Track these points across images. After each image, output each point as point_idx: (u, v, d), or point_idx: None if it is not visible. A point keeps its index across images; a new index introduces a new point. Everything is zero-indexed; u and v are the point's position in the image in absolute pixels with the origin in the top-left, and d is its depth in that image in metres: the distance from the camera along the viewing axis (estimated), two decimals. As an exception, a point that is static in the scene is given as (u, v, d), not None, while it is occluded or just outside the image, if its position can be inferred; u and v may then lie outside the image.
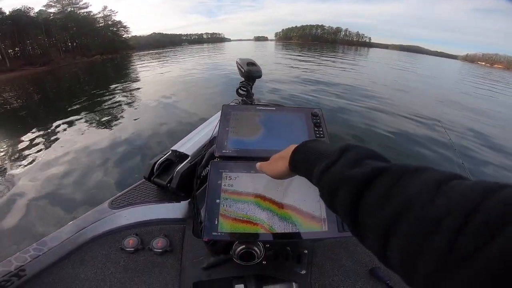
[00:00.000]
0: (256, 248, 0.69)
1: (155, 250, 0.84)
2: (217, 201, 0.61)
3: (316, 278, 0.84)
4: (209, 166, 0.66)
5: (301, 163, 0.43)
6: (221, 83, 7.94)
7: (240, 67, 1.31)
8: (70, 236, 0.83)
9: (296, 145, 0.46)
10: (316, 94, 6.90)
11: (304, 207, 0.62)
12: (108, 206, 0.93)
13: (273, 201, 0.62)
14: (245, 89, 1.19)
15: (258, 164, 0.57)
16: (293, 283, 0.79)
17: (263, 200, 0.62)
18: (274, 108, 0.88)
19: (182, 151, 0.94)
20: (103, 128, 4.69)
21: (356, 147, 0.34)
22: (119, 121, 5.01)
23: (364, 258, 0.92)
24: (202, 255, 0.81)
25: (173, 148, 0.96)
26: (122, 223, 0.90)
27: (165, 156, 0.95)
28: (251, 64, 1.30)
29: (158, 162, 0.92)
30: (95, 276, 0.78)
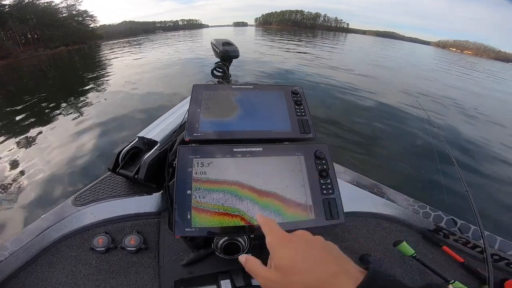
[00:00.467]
0: (240, 239, 0.63)
1: (129, 248, 0.76)
2: (188, 192, 0.54)
3: None
4: (177, 152, 0.57)
5: None
6: (195, 68, 7.60)
7: (215, 47, 1.21)
8: (33, 238, 0.75)
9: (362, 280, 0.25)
10: (296, 75, 6.86)
11: (287, 194, 0.57)
12: (72, 203, 0.84)
13: (252, 188, 0.56)
14: (221, 70, 1.10)
15: (246, 260, 0.35)
16: None
17: (241, 188, 0.55)
18: (251, 87, 0.81)
19: (149, 137, 0.84)
20: (65, 121, 4.32)
21: None
22: (82, 112, 4.64)
23: (354, 244, 0.91)
24: (181, 251, 0.76)
25: (140, 134, 0.86)
26: (89, 221, 0.81)
27: (131, 144, 0.85)
28: (227, 43, 1.21)
29: (123, 152, 0.82)
30: (67, 280, 0.71)
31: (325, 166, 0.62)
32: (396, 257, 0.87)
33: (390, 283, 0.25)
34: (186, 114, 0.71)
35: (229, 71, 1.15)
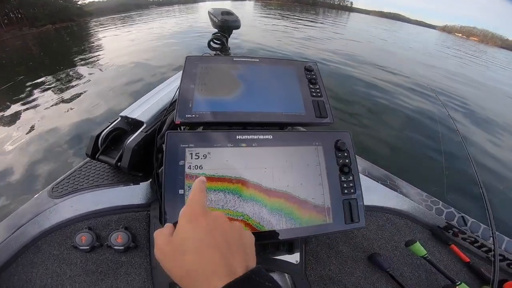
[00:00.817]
0: None
1: (116, 247, 0.68)
2: (180, 192, 0.42)
3: (312, 267, 0.75)
4: (165, 140, 0.45)
5: None
6: (191, 42, 7.06)
7: (213, 17, 1.05)
8: (9, 235, 0.67)
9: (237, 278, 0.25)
10: (304, 53, 6.52)
11: (301, 193, 0.47)
12: (48, 194, 0.74)
13: (259, 187, 0.45)
14: (219, 42, 0.95)
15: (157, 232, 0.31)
16: (286, 275, 0.68)
17: (245, 186, 0.45)
18: (257, 60, 0.67)
19: (134, 117, 0.70)
20: (44, 100, 4.02)
21: None
22: (64, 91, 4.33)
23: (363, 243, 0.85)
24: None
25: (123, 114, 0.73)
26: (70, 215, 0.72)
27: (112, 125, 0.72)
28: (227, 13, 1.05)
29: (103, 134, 0.69)
30: (52, 282, 0.65)
31: (347, 160, 0.52)
32: (405, 256, 0.84)
33: None
34: (178, 91, 0.58)
35: (229, 44, 1.00)
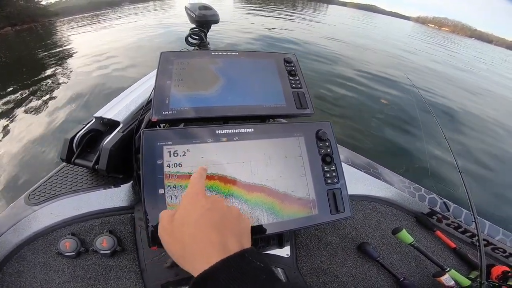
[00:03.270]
0: None
1: (102, 251, 0.67)
2: (160, 191, 0.42)
3: (303, 260, 0.77)
4: (141, 139, 0.44)
5: None
6: (169, 39, 6.91)
7: (190, 12, 1.03)
8: None
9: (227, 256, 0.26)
10: (283, 46, 6.56)
11: (283, 186, 0.47)
12: (25, 202, 0.71)
13: (238, 182, 0.45)
14: (197, 37, 0.93)
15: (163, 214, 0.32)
16: (278, 269, 0.69)
17: (223, 183, 0.44)
18: (236, 53, 0.67)
19: (109, 117, 0.68)
20: (10, 107, 3.80)
21: None
22: (31, 96, 4.07)
23: (351, 232, 0.87)
24: (163, 251, 0.66)
25: (97, 114, 0.70)
26: (51, 222, 0.70)
27: (87, 126, 0.69)
28: (204, 7, 1.02)
29: (77, 136, 0.66)
30: None
31: (329, 150, 0.53)
32: (393, 244, 0.86)
33: (251, 268, 0.25)
34: (153, 88, 0.57)
35: (208, 39, 0.98)
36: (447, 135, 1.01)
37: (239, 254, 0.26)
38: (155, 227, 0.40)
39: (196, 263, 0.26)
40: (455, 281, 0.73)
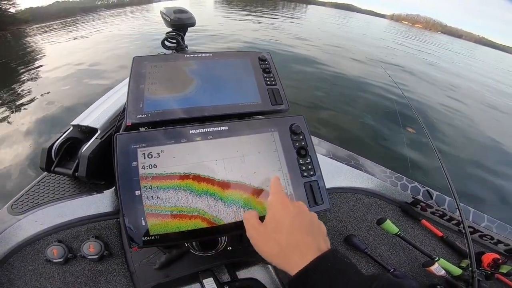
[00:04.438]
0: None
1: (90, 257, 0.67)
2: (137, 193, 0.42)
3: None
4: (114, 143, 0.44)
5: None
6: (146, 44, 6.82)
7: (165, 16, 1.02)
8: None
9: (319, 255, 0.30)
10: (262, 45, 6.63)
11: (257, 182, 0.48)
12: (8, 211, 0.71)
13: (212, 180, 0.46)
14: (174, 41, 0.93)
15: (247, 213, 0.39)
16: (269, 266, 0.70)
17: (197, 181, 0.45)
18: (210, 55, 0.68)
19: (86, 124, 0.69)
20: None
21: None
22: (7, 107, 3.94)
23: (336, 225, 0.87)
24: (151, 253, 0.68)
25: (74, 122, 0.70)
26: (36, 230, 0.69)
27: (64, 135, 0.69)
28: (180, 11, 1.02)
29: (55, 145, 0.66)
30: None
31: (303, 143, 0.54)
32: (380, 235, 0.86)
33: (342, 264, 0.30)
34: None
35: (185, 42, 0.98)
36: (424, 125, 1.04)
37: (331, 252, 0.31)
38: (134, 228, 0.41)
39: (296, 261, 0.30)
40: (446, 270, 0.73)
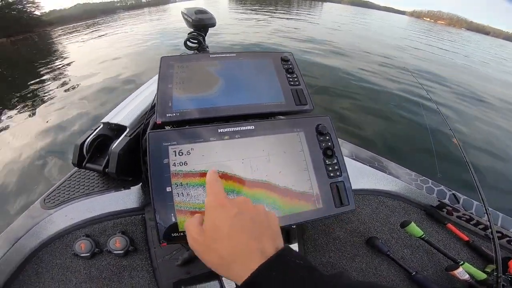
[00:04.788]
0: None
1: (115, 252, 0.70)
2: (168, 189, 0.43)
3: (311, 255, 0.78)
4: (147, 140, 0.46)
5: None
6: (167, 44, 6.99)
7: (187, 17, 1.05)
8: (9, 249, 0.68)
9: (268, 258, 0.26)
10: (281, 46, 6.58)
11: (282, 182, 0.48)
12: (41, 206, 0.75)
13: (238, 179, 0.47)
14: (195, 41, 0.96)
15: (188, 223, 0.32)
16: None
17: (225, 180, 0.46)
18: (234, 55, 0.69)
19: (116, 122, 0.71)
20: (14, 118, 3.86)
21: None
22: (34, 106, 4.17)
23: (359, 227, 0.86)
24: (174, 250, 0.70)
25: (104, 120, 0.73)
26: (66, 224, 0.73)
27: (95, 132, 0.72)
28: (201, 11, 1.05)
29: (87, 142, 0.70)
30: None
31: (329, 143, 0.54)
32: (403, 238, 0.85)
33: (292, 268, 0.26)
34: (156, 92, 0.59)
35: (206, 42, 1.01)
36: (452, 126, 1.01)
37: (277, 256, 0.27)
38: (164, 223, 0.42)
39: (237, 272, 0.26)
40: (470, 274, 0.71)
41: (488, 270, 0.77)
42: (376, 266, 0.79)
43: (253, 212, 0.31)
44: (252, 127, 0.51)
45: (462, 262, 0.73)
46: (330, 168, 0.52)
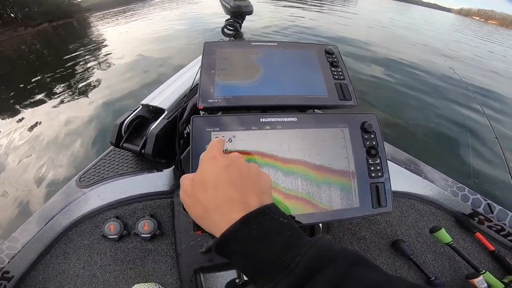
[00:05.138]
0: None
1: (143, 235, 0.72)
2: None
3: None
4: (190, 124, 0.46)
5: (241, 253, 0.24)
6: (203, 30, 6.99)
7: (224, 3, 1.05)
8: (43, 226, 0.71)
9: (244, 215, 0.25)
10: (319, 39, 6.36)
11: (319, 161, 0.47)
12: (76, 184, 0.78)
13: (274, 156, 0.46)
14: (232, 28, 0.95)
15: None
16: None
17: (261, 156, 0.45)
18: (275, 44, 0.67)
19: (155, 104, 0.73)
20: (62, 99, 4.12)
21: (336, 259, 0.23)
22: (75, 86, 4.45)
23: (386, 229, 0.86)
24: (199, 236, 0.71)
25: (144, 102, 0.75)
26: (98, 204, 0.76)
27: (134, 113, 0.74)
28: None
29: (125, 122, 0.72)
30: (85, 272, 0.70)
31: (374, 142, 0.52)
32: (428, 243, 0.84)
33: (273, 224, 0.25)
34: (197, 76, 0.59)
35: (241, 30, 1.00)
36: (496, 132, 0.95)
37: (260, 210, 0.26)
38: None
39: (218, 223, 0.26)
40: (488, 284, 0.72)
41: (505, 280, 0.76)
42: (396, 268, 0.79)
43: (244, 167, 0.30)
44: (294, 119, 0.49)
45: (484, 271, 0.73)
46: (372, 168, 0.50)
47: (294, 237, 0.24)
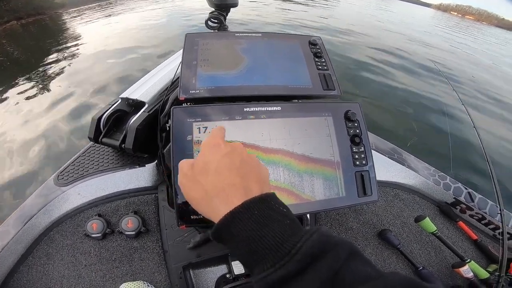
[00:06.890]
0: None
1: (127, 232, 0.71)
2: None
3: None
4: (171, 115, 0.46)
5: (237, 241, 0.25)
6: (186, 25, 6.91)
7: None
8: (21, 227, 0.68)
9: (246, 200, 0.25)
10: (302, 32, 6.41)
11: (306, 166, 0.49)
12: (55, 183, 0.75)
13: (256, 146, 0.47)
14: (216, 20, 0.95)
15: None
16: None
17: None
18: (260, 35, 0.68)
19: (135, 97, 0.72)
20: (28, 95, 3.90)
21: (335, 247, 0.23)
22: (48, 84, 4.21)
23: (372, 218, 0.88)
24: (186, 232, 0.71)
25: (123, 95, 0.73)
26: (78, 202, 0.74)
27: (113, 107, 0.72)
28: None
29: (104, 116, 0.70)
30: (70, 272, 0.68)
31: (357, 130, 0.54)
32: (414, 232, 0.87)
33: (274, 212, 0.25)
34: (179, 69, 0.59)
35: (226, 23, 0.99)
36: (475, 122, 0.99)
37: (261, 197, 0.26)
38: (185, 206, 0.41)
39: (218, 207, 0.26)
40: (474, 272, 0.74)
41: (489, 269, 0.80)
42: (385, 258, 0.81)
43: (245, 156, 0.31)
44: (278, 108, 0.51)
45: (469, 260, 0.76)
46: (357, 156, 0.52)
47: (294, 226, 0.25)
